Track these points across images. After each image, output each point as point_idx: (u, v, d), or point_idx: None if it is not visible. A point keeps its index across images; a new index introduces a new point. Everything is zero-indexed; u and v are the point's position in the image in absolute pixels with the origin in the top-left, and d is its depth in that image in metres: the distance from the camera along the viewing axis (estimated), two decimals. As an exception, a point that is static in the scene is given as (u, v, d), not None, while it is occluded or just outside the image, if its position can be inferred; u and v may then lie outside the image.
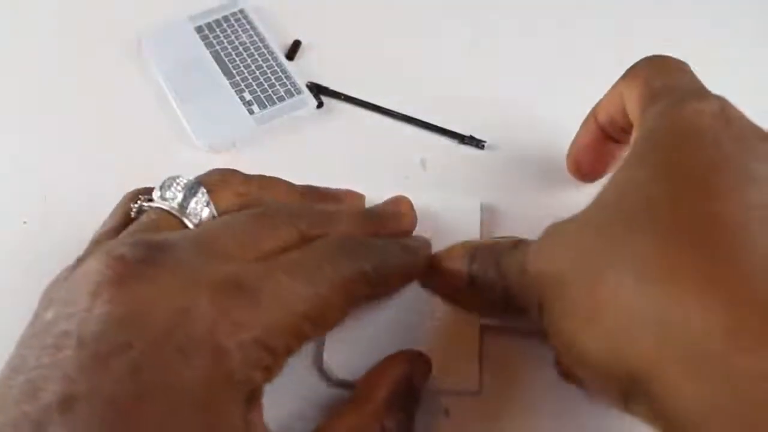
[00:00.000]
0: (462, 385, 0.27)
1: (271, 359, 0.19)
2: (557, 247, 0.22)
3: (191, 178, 0.24)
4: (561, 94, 0.32)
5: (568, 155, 0.31)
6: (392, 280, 0.26)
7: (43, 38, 0.38)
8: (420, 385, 0.25)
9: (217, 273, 0.19)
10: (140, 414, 0.17)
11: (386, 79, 0.37)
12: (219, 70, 0.36)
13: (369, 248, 0.23)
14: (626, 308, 0.18)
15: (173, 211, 0.22)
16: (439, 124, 0.35)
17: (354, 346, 0.26)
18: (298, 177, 0.28)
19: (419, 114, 0.36)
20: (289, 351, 0.20)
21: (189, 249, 0.19)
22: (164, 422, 0.17)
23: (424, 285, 0.28)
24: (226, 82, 0.36)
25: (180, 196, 0.23)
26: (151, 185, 0.25)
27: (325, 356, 0.27)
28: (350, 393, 0.25)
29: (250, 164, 0.26)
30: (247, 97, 0.36)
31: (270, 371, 0.19)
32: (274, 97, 0.36)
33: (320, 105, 0.36)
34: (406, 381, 0.24)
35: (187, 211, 0.22)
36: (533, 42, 0.39)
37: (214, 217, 0.23)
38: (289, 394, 0.26)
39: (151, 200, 0.23)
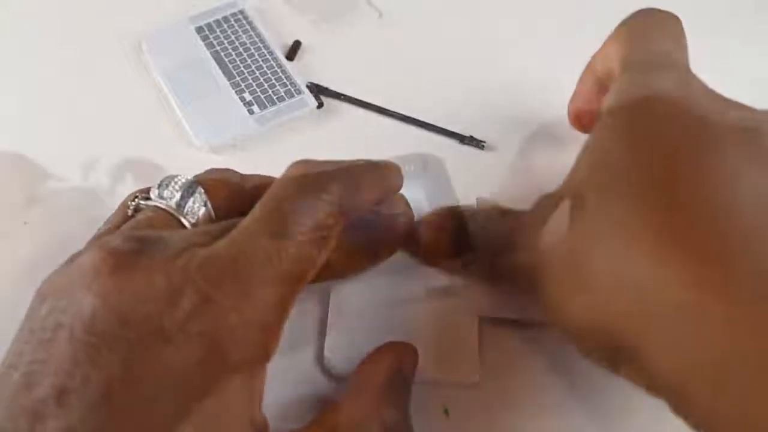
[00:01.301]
0: (462, 378, 0.27)
1: (266, 335, 0.19)
2: (542, 220, 0.23)
3: (189, 177, 0.24)
4: (561, 94, 0.32)
5: (569, 107, 0.32)
6: (365, 198, 0.23)
7: (44, 38, 0.38)
8: (409, 374, 0.25)
9: (200, 257, 0.18)
10: (135, 404, 0.17)
11: (386, 79, 0.37)
12: (219, 71, 0.36)
13: (330, 175, 0.21)
14: (605, 274, 0.19)
15: (170, 210, 0.22)
16: (439, 124, 0.35)
17: (355, 342, 0.26)
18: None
19: (419, 114, 0.36)
20: (282, 320, 0.20)
21: (180, 242, 0.19)
22: (161, 412, 0.17)
23: (407, 250, 0.28)
24: (226, 82, 0.36)
25: (177, 196, 0.23)
26: (151, 186, 0.25)
27: (326, 352, 0.27)
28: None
29: (250, 165, 0.26)
30: (248, 97, 0.36)
31: (266, 347, 0.19)
32: (274, 97, 0.36)
33: (320, 105, 0.36)
34: (397, 371, 0.24)
35: (185, 210, 0.22)
36: (534, 42, 0.39)
37: (210, 216, 0.23)
38: (290, 390, 0.27)
39: (148, 198, 0.23)
